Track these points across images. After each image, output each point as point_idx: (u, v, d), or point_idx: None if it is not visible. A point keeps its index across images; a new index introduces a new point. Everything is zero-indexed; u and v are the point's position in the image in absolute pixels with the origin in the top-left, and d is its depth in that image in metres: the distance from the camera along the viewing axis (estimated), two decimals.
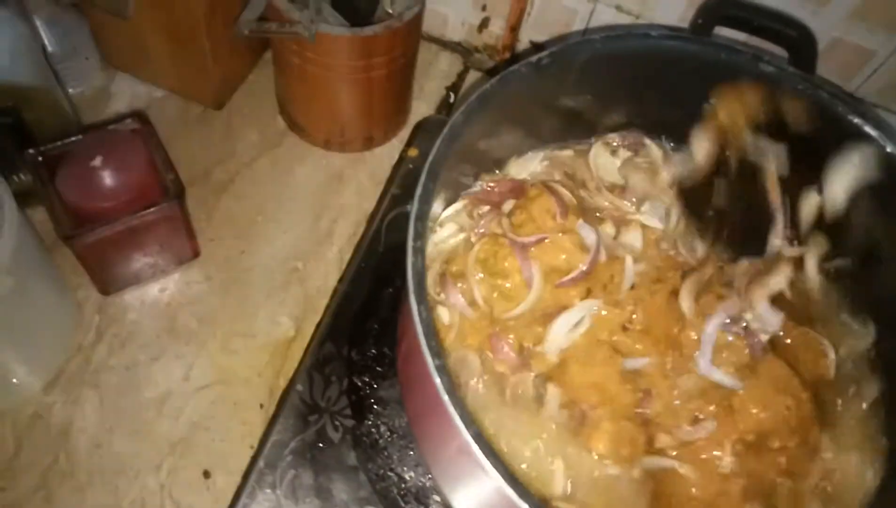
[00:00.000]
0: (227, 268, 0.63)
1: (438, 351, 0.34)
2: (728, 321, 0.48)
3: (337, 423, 0.55)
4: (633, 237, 0.52)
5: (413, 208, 0.38)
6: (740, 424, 0.46)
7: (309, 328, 0.61)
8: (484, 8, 0.74)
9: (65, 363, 0.57)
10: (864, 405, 0.49)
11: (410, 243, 0.37)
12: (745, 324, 0.48)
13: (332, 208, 0.67)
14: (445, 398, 0.33)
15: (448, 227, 0.51)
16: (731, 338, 0.47)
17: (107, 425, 0.55)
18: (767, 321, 0.48)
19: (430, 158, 0.39)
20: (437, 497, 0.52)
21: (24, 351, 0.53)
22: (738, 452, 0.45)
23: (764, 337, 0.48)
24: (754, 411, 0.46)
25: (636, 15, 0.68)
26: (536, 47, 0.76)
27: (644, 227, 0.53)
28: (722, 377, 0.46)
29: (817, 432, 0.47)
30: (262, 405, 0.58)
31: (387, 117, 0.70)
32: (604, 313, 0.48)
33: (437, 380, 0.34)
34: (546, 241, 0.48)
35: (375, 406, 0.56)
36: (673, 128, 0.55)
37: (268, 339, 0.60)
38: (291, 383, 0.57)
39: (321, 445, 0.54)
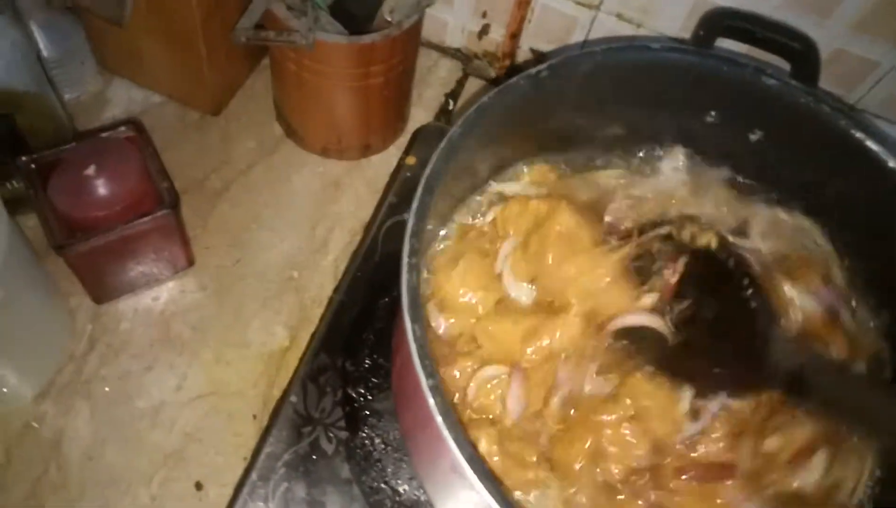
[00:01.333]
0: (222, 277, 0.63)
1: (432, 371, 0.34)
2: None
3: (331, 435, 0.55)
4: None
5: (409, 224, 0.37)
6: None
7: (304, 337, 0.60)
8: (484, 15, 0.74)
9: (56, 372, 0.56)
10: None
11: (405, 260, 0.36)
12: None
13: (329, 217, 0.67)
14: (439, 419, 0.32)
15: None
16: None
17: (99, 435, 0.54)
18: None
19: (427, 172, 0.39)
20: None
21: (14, 360, 0.53)
22: None
23: None
24: None
25: (637, 24, 0.67)
26: (537, 55, 0.76)
27: None
28: None
29: None
30: (255, 417, 0.57)
31: (385, 125, 0.69)
32: None
33: (431, 400, 0.33)
34: None
35: (370, 418, 0.55)
36: (671, 142, 0.54)
37: (262, 349, 0.60)
38: (285, 394, 0.56)
39: (315, 457, 0.54)
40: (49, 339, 0.56)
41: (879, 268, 0.49)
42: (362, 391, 0.57)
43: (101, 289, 0.58)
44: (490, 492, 0.32)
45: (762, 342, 0.44)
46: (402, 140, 0.72)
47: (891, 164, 0.46)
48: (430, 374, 0.34)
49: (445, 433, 0.32)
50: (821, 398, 0.42)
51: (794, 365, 0.42)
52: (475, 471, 0.32)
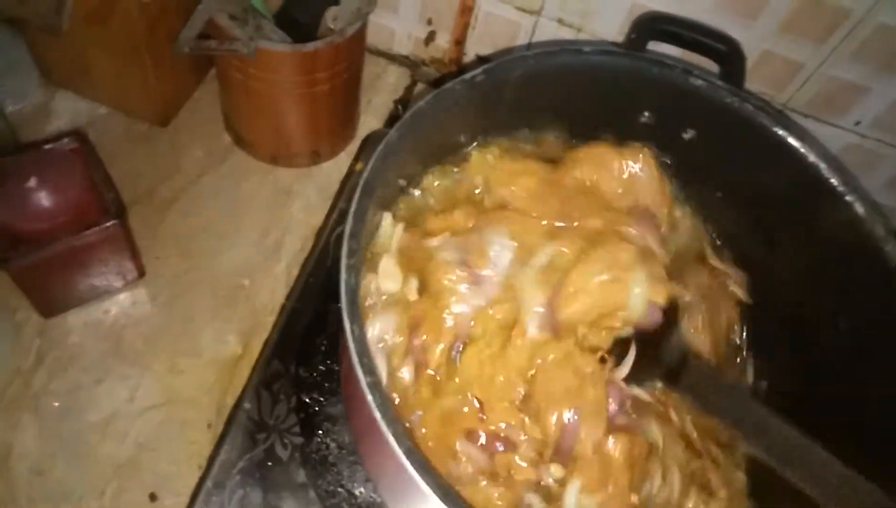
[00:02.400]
0: (173, 286, 0.62)
1: (371, 369, 0.35)
2: None
3: (286, 441, 0.55)
4: None
5: (347, 226, 0.38)
6: None
7: (256, 345, 0.60)
8: (429, 22, 0.75)
9: (2, 388, 0.55)
10: None
11: (344, 261, 0.37)
12: None
13: (280, 224, 0.67)
14: (377, 414, 0.33)
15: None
16: None
17: (48, 450, 0.54)
18: None
19: (364, 176, 0.40)
20: None
21: None
22: None
23: None
24: None
25: (577, 28, 0.69)
26: (482, 60, 0.77)
27: None
28: None
29: None
30: (209, 425, 0.57)
31: (333, 132, 0.70)
32: None
33: (370, 397, 0.34)
34: None
35: (325, 423, 0.56)
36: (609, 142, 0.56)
37: (214, 357, 0.60)
38: (239, 401, 0.57)
39: (270, 463, 0.54)
40: None
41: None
42: (316, 396, 0.57)
43: (49, 303, 0.58)
44: (431, 486, 0.33)
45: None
46: (353, 147, 0.73)
47: (810, 158, 0.48)
48: (370, 372, 0.35)
49: (384, 428, 0.33)
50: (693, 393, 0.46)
51: (677, 363, 0.47)
52: (413, 465, 0.33)
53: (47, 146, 0.55)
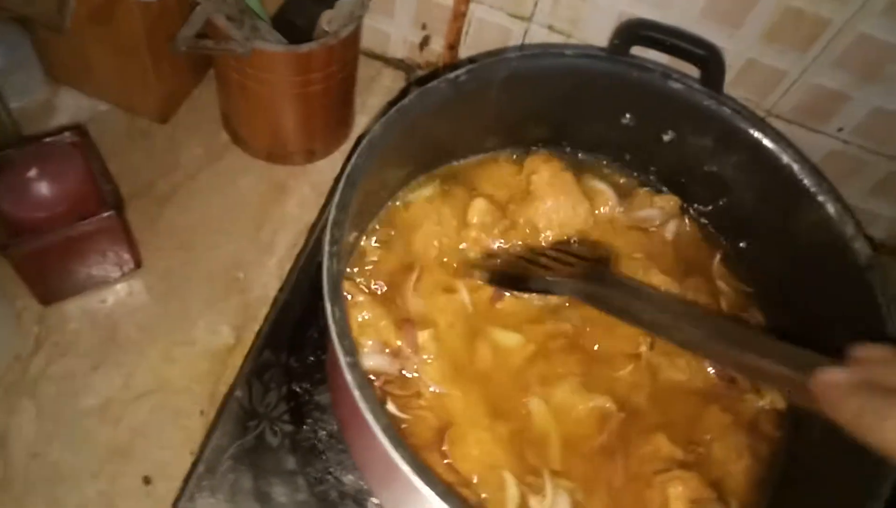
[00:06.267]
0: (169, 278, 0.64)
1: (351, 349, 0.36)
2: None
3: (276, 429, 0.57)
4: None
5: (331, 215, 0.40)
6: None
7: (249, 336, 0.62)
8: (424, 27, 0.77)
9: (1, 373, 0.57)
10: None
11: (327, 248, 0.39)
12: None
13: (274, 220, 0.69)
14: (356, 392, 0.35)
15: None
16: None
17: (45, 434, 0.55)
18: None
19: (349, 167, 0.41)
20: (374, 500, 0.54)
21: None
22: None
23: None
24: None
25: (567, 34, 0.71)
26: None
27: None
28: None
29: None
30: (202, 412, 0.59)
31: (328, 131, 0.72)
32: None
33: (349, 376, 0.36)
34: None
35: (314, 412, 0.58)
36: (591, 143, 0.58)
37: (208, 347, 0.61)
38: (231, 390, 0.58)
39: (260, 450, 0.56)
40: None
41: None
42: (306, 386, 0.59)
43: (48, 291, 0.59)
44: (406, 461, 0.35)
45: None
46: (347, 146, 0.75)
47: (784, 159, 0.50)
48: (349, 352, 0.36)
49: (362, 405, 0.35)
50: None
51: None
52: (391, 441, 0.35)
53: (48, 139, 0.57)
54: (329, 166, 0.73)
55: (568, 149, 0.59)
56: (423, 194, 0.57)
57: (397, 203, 0.57)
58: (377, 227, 0.57)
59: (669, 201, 0.60)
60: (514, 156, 0.60)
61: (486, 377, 0.51)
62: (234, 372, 0.60)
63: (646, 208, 0.59)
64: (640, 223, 0.60)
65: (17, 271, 0.56)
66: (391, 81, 0.81)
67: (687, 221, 0.61)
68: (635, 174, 0.62)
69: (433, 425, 0.49)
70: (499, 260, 0.56)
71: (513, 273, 0.54)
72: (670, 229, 0.60)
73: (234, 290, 0.64)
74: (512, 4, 0.70)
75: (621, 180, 0.63)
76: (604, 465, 0.50)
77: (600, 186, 0.60)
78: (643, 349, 0.54)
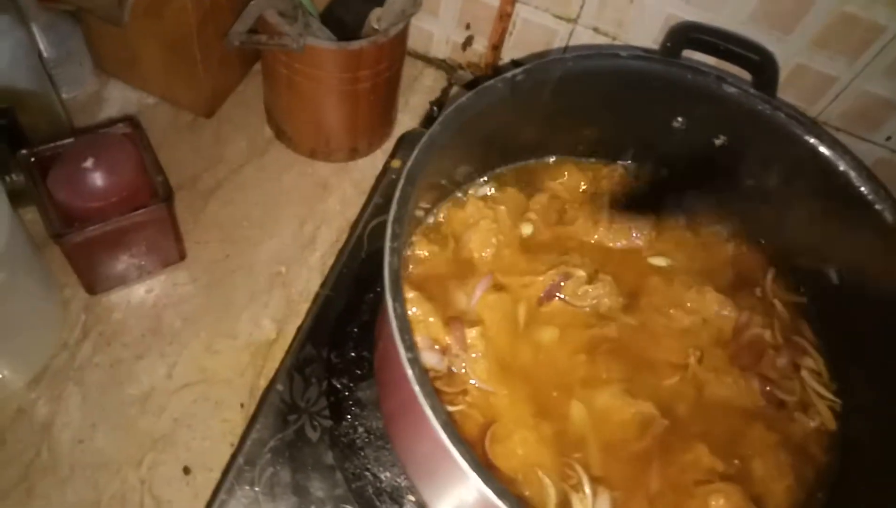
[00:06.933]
0: (213, 271, 0.65)
1: (411, 345, 0.36)
2: None
3: (315, 423, 0.57)
4: None
5: (392, 211, 0.40)
6: None
7: (290, 330, 0.62)
8: (468, 27, 0.77)
9: (49, 359, 0.58)
10: None
11: (388, 244, 0.39)
12: None
13: (317, 216, 0.69)
14: (416, 388, 0.35)
15: None
16: None
17: (89, 420, 0.56)
18: None
19: (409, 163, 0.42)
20: (411, 497, 0.54)
21: (9, 347, 0.55)
22: None
23: None
24: None
25: (613, 37, 0.71)
26: (517, 65, 0.79)
27: None
28: None
29: None
30: (242, 405, 0.59)
31: (371, 129, 0.72)
32: None
33: (409, 371, 0.35)
34: None
35: (353, 408, 0.58)
36: (642, 145, 0.57)
37: (250, 340, 0.62)
38: (272, 383, 0.59)
39: (300, 444, 0.56)
40: (43, 327, 0.58)
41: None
42: (346, 381, 0.59)
43: (96, 280, 0.60)
44: (465, 458, 0.35)
45: None
46: (388, 144, 0.75)
47: (841, 167, 0.49)
48: (409, 348, 0.36)
49: (423, 401, 0.35)
50: None
51: None
52: (450, 438, 0.35)
53: (103, 130, 0.58)
54: (370, 165, 0.74)
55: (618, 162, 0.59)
56: (479, 194, 0.57)
57: (453, 202, 0.57)
58: (432, 224, 0.57)
59: (731, 218, 0.60)
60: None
61: (532, 377, 0.51)
62: (274, 366, 0.60)
63: (713, 225, 0.59)
64: (705, 239, 0.60)
65: (69, 259, 0.57)
66: (433, 81, 0.81)
67: (745, 238, 0.61)
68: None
69: (478, 422, 0.49)
70: None
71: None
72: (731, 247, 0.60)
73: (276, 284, 0.65)
74: (558, 5, 0.70)
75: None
76: (643, 470, 0.49)
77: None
78: (691, 360, 0.53)
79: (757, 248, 0.60)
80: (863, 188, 0.48)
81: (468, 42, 0.79)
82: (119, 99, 0.73)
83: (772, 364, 0.53)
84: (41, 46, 0.65)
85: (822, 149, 0.50)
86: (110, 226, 0.55)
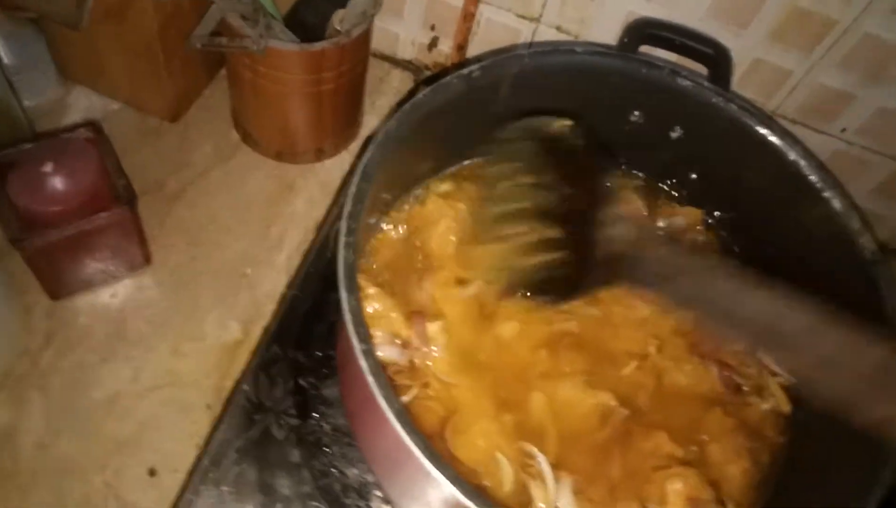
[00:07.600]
0: (179, 274, 0.65)
1: (365, 336, 0.37)
2: None
3: (282, 422, 0.57)
4: None
5: (346, 207, 0.40)
6: None
7: (257, 331, 0.62)
8: (433, 28, 0.78)
9: (10, 366, 0.57)
10: None
11: (342, 239, 0.39)
12: None
13: (283, 217, 0.69)
14: (370, 378, 0.35)
15: None
16: None
17: (53, 426, 0.56)
18: None
19: (364, 160, 0.42)
20: (378, 493, 0.54)
21: None
22: None
23: None
24: None
25: (575, 34, 0.72)
26: None
27: None
28: None
29: None
30: (209, 406, 0.59)
31: (337, 130, 0.72)
32: None
33: (363, 362, 0.36)
34: None
35: (320, 406, 0.58)
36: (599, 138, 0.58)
37: (216, 342, 0.62)
38: (238, 383, 0.59)
39: (266, 443, 0.56)
40: (3, 334, 0.58)
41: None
42: (313, 380, 0.59)
43: (59, 285, 0.60)
44: (419, 446, 0.35)
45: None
46: (355, 145, 0.75)
47: (791, 156, 0.50)
48: (363, 339, 0.37)
49: (376, 391, 0.35)
50: (653, 272, 0.44)
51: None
52: (404, 428, 0.35)
53: (64, 135, 0.58)
54: (337, 165, 0.74)
55: None
56: (440, 190, 0.58)
57: (413, 199, 0.58)
58: (392, 220, 0.57)
59: (693, 211, 0.60)
60: None
61: (494, 370, 0.51)
62: (241, 366, 0.60)
63: (671, 216, 0.60)
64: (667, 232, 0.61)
65: (29, 264, 0.56)
66: (399, 83, 0.82)
67: (705, 229, 0.61)
68: (641, 175, 0.62)
69: (440, 415, 0.49)
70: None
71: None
72: (691, 239, 0.61)
73: (242, 286, 0.65)
74: (520, 5, 0.71)
75: (634, 183, 0.63)
76: (605, 459, 0.50)
77: (630, 194, 0.61)
78: (651, 350, 0.54)
79: (720, 241, 0.61)
80: (812, 177, 0.49)
81: (434, 43, 0.80)
82: (84, 105, 0.72)
83: (731, 350, 0.54)
84: (1, 54, 0.64)
85: (773, 139, 0.51)
86: (71, 230, 0.54)
